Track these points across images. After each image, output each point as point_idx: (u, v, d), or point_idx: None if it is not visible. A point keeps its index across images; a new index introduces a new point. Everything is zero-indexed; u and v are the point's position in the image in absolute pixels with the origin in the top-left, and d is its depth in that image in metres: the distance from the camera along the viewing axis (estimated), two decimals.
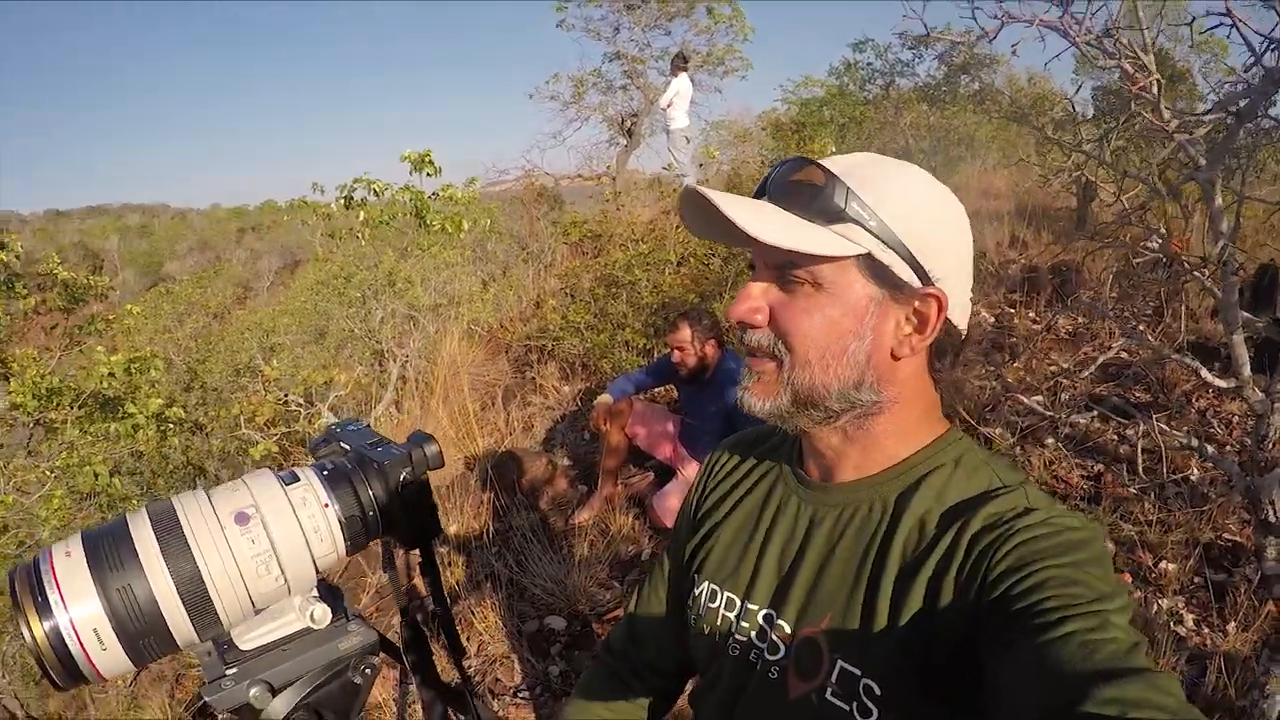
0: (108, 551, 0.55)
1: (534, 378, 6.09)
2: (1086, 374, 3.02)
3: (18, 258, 4.48)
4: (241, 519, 0.57)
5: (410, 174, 7.62)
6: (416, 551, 0.68)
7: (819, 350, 0.85)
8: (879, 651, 0.80)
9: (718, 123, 12.03)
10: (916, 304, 0.84)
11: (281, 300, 12.10)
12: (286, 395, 8.69)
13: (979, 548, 0.77)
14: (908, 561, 0.82)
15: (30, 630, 0.52)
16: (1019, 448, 3.74)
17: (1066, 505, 3.43)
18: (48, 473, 3.70)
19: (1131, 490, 3.33)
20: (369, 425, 0.72)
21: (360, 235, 7.84)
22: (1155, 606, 2.82)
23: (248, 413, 7.99)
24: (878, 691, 0.78)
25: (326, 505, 0.61)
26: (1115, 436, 3.90)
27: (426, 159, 7.61)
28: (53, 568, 0.53)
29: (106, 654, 0.53)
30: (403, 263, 7.80)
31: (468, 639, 3.25)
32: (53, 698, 4.12)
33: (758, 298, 0.87)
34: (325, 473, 0.63)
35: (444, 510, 4.22)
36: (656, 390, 4.81)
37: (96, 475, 3.69)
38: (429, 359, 7.17)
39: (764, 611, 0.92)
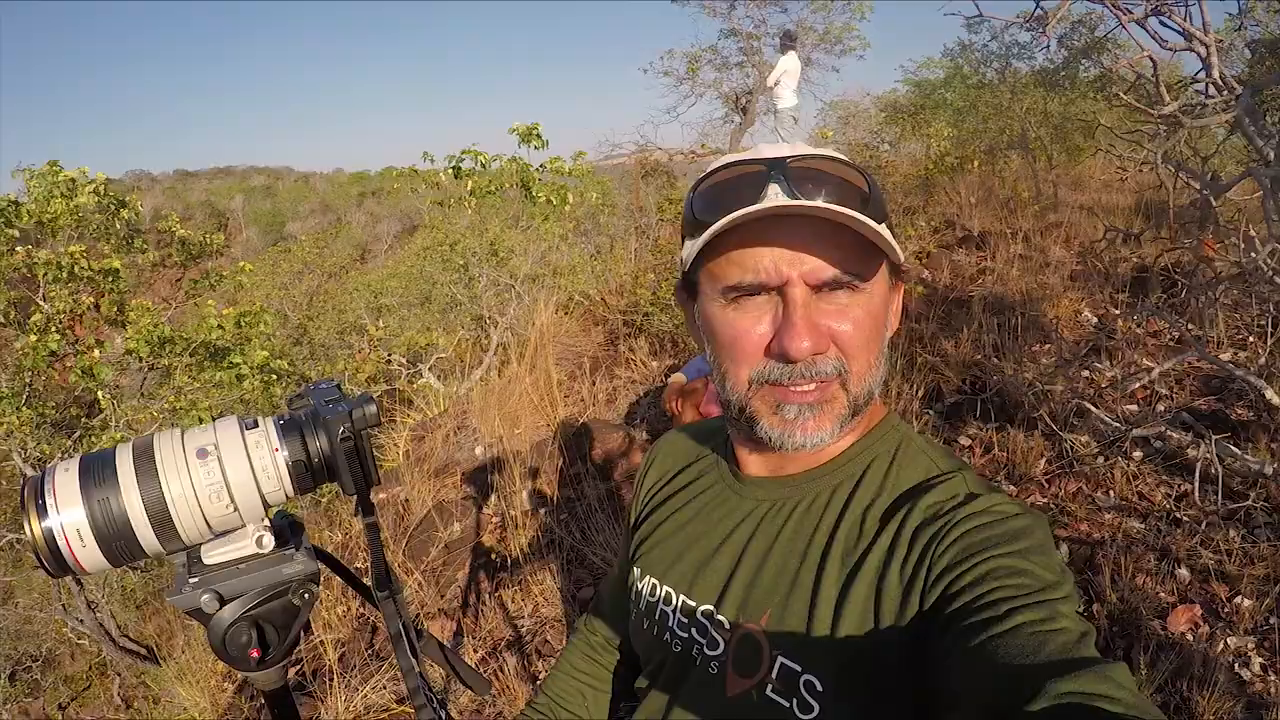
0: (95, 471, 0.67)
1: (624, 352, 6.21)
2: (1135, 386, 2.87)
3: (137, 214, 4.89)
4: (202, 454, 0.69)
5: (518, 146, 7.80)
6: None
7: (876, 352, 0.83)
8: (820, 647, 0.79)
9: (835, 103, 11.83)
10: (895, 284, 0.88)
11: (390, 264, 12.71)
12: (390, 355, 9.11)
13: (921, 541, 0.77)
14: (850, 556, 0.81)
15: (30, 528, 0.65)
16: (1101, 457, 3.61)
17: (1147, 525, 3.32)
18: (157, 414, 4.07)
19: (1202, 516, 3.17)
20: (339, 385, 0.82)
21: (467, 204, 8.08)
22: (1221, 644, 2.68)
23: (351, 369, 8.42)
24: (819, 687, 0.78)
25: (276, 450, 0.71)
26: (1207, 455, 3.71)
27: (534, 132, 7.78)
28: (54, 481, 0.67)
29: (86, 551, 0.66)
30: (507, 233, 8.00)
31: (525, 599, 3.42)
32: (149, 622, 4.54)
33: (815, 322, 0.79)
34: (281, 422, 0.73)
35: (516, 475, 4.40)
36: None
37: (201, 419, 4.03)
38: (526, 327, 7.39)
39: (703, 607, 0.91)
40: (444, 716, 0.89)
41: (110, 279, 4.07)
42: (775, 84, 9.15)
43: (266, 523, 0.73)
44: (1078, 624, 0.65)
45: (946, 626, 0.69)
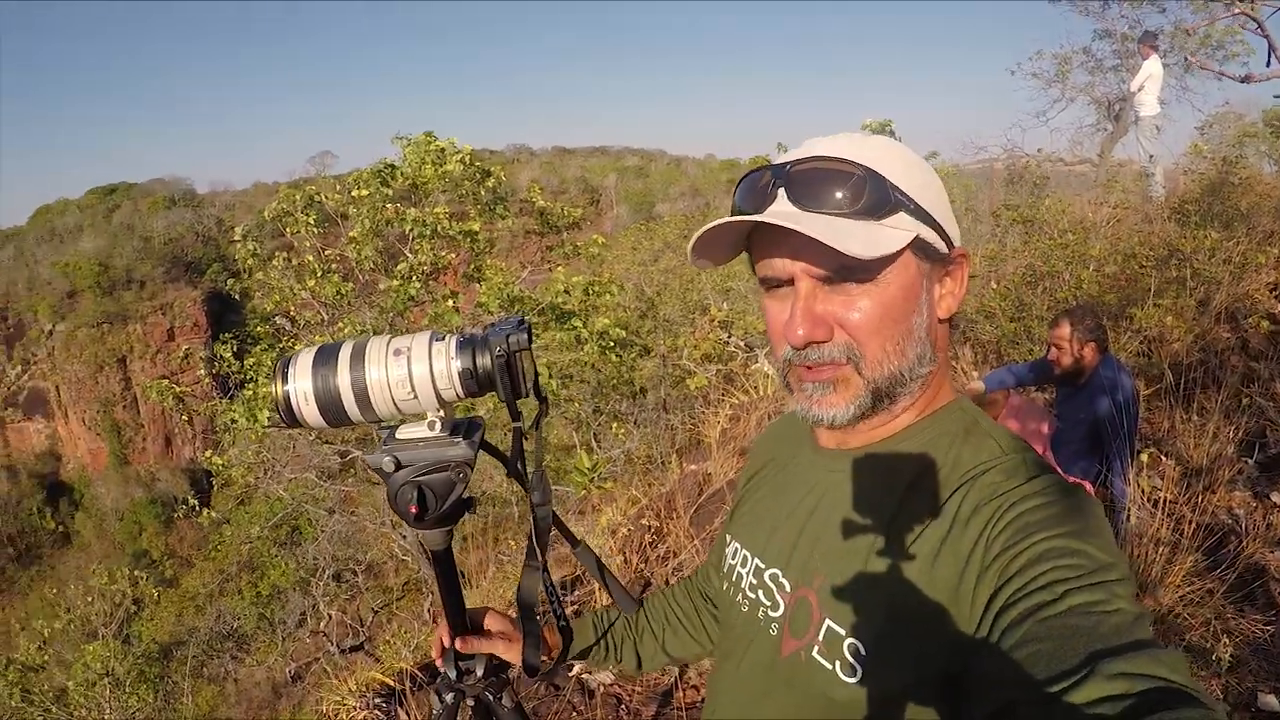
0: (325, 356, 0.92)
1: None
2: None
3: (500, 183, 5.60)
4: (397, 353, 0.91)
5: None
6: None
7: (895, 339, 0.86)
8: (866, 613, 0.83)
9: (1218, 114, 10.17)
10: (949, 267, 0.90)
11: None
12: (729, 337, 9.53)
13: (979, 521, 0.78)
14: (908, 530, 0.84)
15: (275, 389, 0.91)
16: None
17: None
18: None
19: None
20: (522, 318, 1.00)
21: None
22: None
23: (689, 345, 8.96)
24: (862, 652, 0.82)
25: (452, 359, 0.91)
26: None
27: (887, 128, 7.68)
28: (296, 359, 0.92)
29: (309, 410, 0.91)
30: None
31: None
32: (470, 554, 5.21)
33: (818, 310, 0.85)
34: (460, 340, 0.93)
35: None
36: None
37: (537, 374, 4.63)
38: None
39: (771, 570, 0.98)
40: (559, 610, 1.05)
41: (469, 239, 4.75)
42: (1139, 89, 8.21)
43: (441, 412, 0.94)
44: (1133, 606, 0.66)
45: (1003, 607, 0.71)
